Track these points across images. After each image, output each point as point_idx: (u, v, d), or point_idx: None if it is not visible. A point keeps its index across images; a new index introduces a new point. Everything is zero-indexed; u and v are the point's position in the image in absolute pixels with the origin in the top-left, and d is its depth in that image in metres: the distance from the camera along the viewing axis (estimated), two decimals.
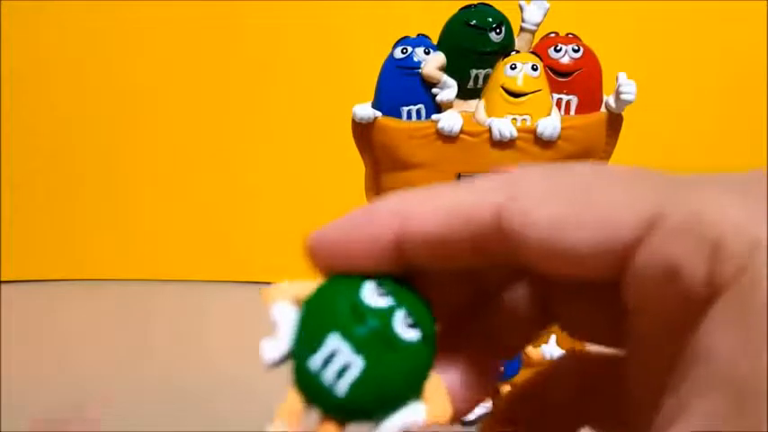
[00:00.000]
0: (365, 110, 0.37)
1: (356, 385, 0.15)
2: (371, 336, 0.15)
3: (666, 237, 0.12)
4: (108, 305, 0.58)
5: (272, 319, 0.16)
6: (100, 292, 0.60)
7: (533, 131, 0.35)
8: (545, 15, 0.38)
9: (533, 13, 0.38)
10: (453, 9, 0.37)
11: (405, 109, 0.37)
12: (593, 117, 0.37)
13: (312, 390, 0.15)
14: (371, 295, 0.15)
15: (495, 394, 0.40)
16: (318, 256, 0.16)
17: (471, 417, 0.39)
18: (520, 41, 0.38)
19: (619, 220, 0.13)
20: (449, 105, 0.36)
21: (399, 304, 0.15)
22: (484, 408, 0.39)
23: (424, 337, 0.16)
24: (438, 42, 0.37)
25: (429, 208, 0.15)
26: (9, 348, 0.50)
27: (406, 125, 0.37)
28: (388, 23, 0.44)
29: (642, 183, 0.13)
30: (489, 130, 0.35)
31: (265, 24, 0.57)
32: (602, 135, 0.37)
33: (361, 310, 0.15)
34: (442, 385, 0.16)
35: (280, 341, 0.15)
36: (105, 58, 0.59)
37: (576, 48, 0.37)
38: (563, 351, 0.38)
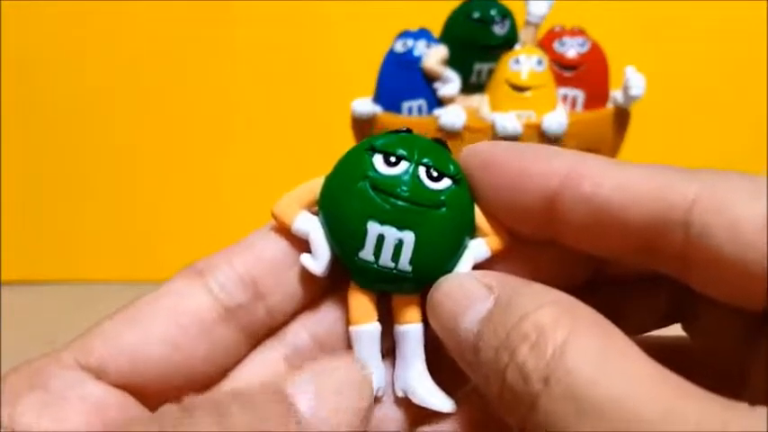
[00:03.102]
0: (365, 105, 0.36)
1: (417, 256, 0.15)
2: (406, 207, 0.15)
3: None
4: (109, 307, 0.57)
5: (299, 233, 0.16)
6: (101, 295, 0.59)
7: (538, 127, 0.34)
8: (550, 8, 0.37)
9: (538, 6, 0.37)
10: (456, 2, 0.36)
11: (406, 104, 0.36)
12: (600, 113, 0.36)
13: (378, 278, 0.15)
14: (383, 166, 0.15)
15: None
16: (470, 163, 0.15)
17: None
18: (524, 35, 0.37)
19: None
20: (450, 100, 0.36)
21: (414, 162, 0.15)
22: None
23: (454, 180, 0.15)
24: (441, 36, 0.36)
25: (613, 176, 0.14)
26: (9, 350, 0.49)
27: (407, 121, 0.36)
28: (388, 16, 0.43)
29: None
30: (493, 125, 0.34)
31: (264, 18, 0.56)
32: (609, 131, 0.37)
33: (384, 186, 0.15)
34: (486, 215, 0.16)
35: (319, 251, 0.15)
36: (107, 59, 0.58)
37: (582, 41, 0.37)
38: None
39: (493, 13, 0.35)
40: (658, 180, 0.13)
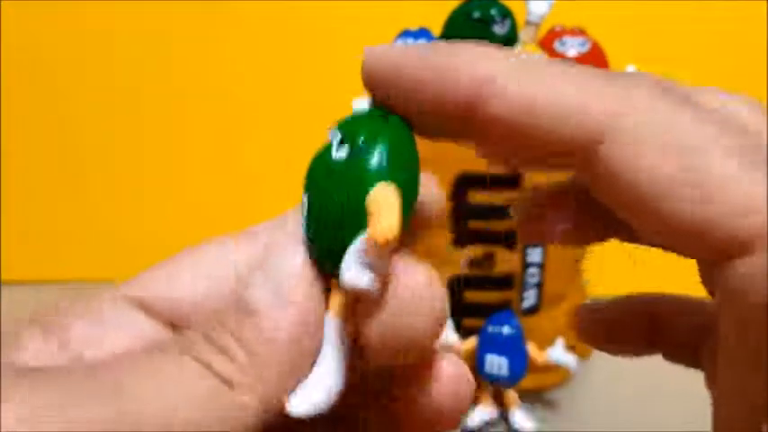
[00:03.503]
0: (365, 105, 0.36)
1: (308, 220, 0.14)
2: (311, 171, 0.15)
3: None
4: None
5: None
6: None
7: None
8: (550, 8, 0.37)
9: (538, 6, 0.37)
10: (456, 2, 0.36)
11: None
12: None
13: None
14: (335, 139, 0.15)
15: (496, 397, 0.39)
16: (373, 78, 0.15)
17: (473, 424, 0.38)
18: (524, 35, 0.37)
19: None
20: None
21: (340, 132, 0.15)
22: (487, 415, 0.38)
23: (351, 152, 0.14)
24: (441, 35, 0.36)
25: (521, 93, 0.13)
26: None
27: None
28: (388, 17, 0.43)
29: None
30: None
31: (264, 17, 0.56)
32: None
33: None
34: (390, 198, 0.13)
35: None
36: (107, 59, 0.58)
37: (583, 41, 0.37)
38: (570, 356, 0.37)
39: (493, 12, 0.35)
40: (566, 103, 0.13)
